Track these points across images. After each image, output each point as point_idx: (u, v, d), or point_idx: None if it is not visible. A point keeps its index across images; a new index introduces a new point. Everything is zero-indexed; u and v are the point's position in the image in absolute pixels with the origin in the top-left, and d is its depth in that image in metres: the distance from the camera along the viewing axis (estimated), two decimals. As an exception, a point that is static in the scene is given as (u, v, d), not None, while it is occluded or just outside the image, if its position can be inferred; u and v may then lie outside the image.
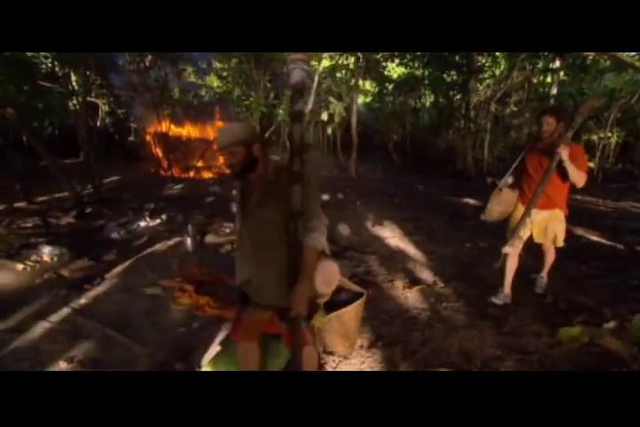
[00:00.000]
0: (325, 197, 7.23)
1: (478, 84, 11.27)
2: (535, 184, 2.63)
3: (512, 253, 2.81)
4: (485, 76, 11.27)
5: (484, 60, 10.79)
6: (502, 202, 2.79)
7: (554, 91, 9.20)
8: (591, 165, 11.05)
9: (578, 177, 2.47)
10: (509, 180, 2.83)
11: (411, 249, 4.23)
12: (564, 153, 2.37)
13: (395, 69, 13.07)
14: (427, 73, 11.79)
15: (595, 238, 4.68)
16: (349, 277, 3.33)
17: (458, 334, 2.46)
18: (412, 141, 13.23)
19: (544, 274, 3.11)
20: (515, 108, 11.71)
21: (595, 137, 11.00)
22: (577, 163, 2.44)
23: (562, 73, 9.31)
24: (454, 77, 11.27)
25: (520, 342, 2.37)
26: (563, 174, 2.54)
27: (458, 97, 11.87)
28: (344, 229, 4.76)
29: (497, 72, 10.97)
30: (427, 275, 3.51)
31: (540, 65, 9.79)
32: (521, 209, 2.75)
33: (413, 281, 3.34)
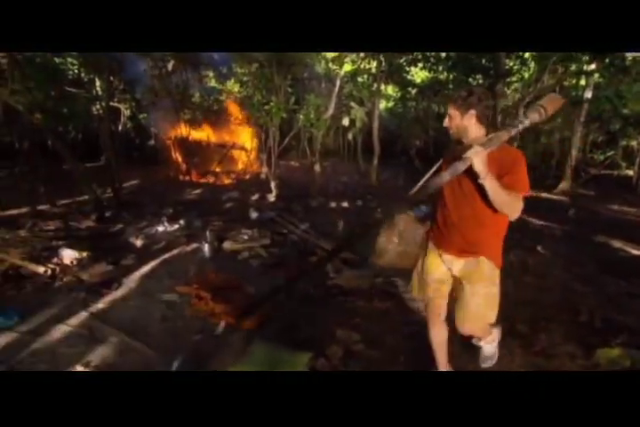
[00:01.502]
0: (345, 203, 7.23)
1: (506, 88, 11.09)
2: (452, 213, 1.73)
3: (432, 319, 1.94)
4: (514, 79, 11.07)
5: (512, 63, 10.62)
6: (399, 237, 1.90)
7: (588, 94, 8.94)
8: (630, 172, 10.64)
9: (502, 201, 1.53)
10: (423, 208, 1.95)
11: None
12: (475, 159, 1.47)
13: (418, 73, 13.04)
14: (451, 77, 11.70)
15: (635, 252, 4.48)
16: (369, 288, 3.30)
17: (484, 352, 2.38)
18: (436, 147, 13.08)
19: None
20: (545, 113, 11.44)
21: (634, 142, 10.62)
22: (507, 179, 1.54)
23: (597, 75, 9.05)
24: (480, 81, 11.12)
25: (552, 363, 2.27)
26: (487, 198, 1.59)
27: (484, 101, 11.70)
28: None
29: (526, 75, 10.78)
30: (450, 287, 3.43)
31: (574, 67, 9.56)
32: (434, 254, 1.85)
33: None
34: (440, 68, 11.39)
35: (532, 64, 10.31)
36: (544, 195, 9.06)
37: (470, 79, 11.15)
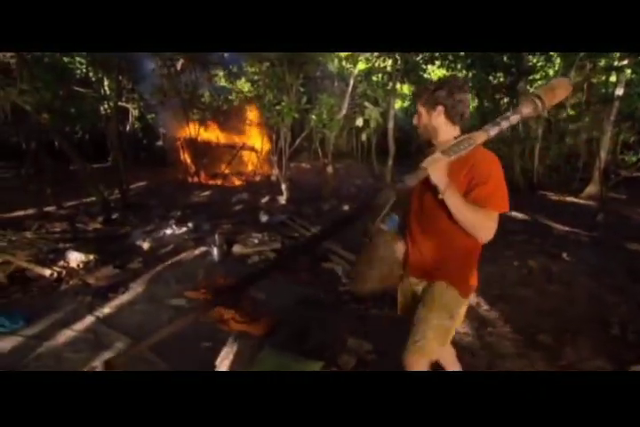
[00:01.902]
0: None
1: (528, 86, 10.97)
2: (414, 229, 1.57)
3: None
4: (537, 76, 10.95)
5: (535, 60, 10.51)
6: (379, 261, 1.58)
7: (619, 91, 8.77)
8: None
9: (468, 220, 1.32)
10: (395, 218, 1.62)
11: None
12: (432, 170, 1.32)
13: (435, 72, 12.99)
14: (470, 75, 11.63)
15: (668, 260, 4.36)
16: (382, 295, 3.29)
17: (505, 364, 2.35)
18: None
19: None
20: (572, 112, 11.28)
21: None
22: (477, 192, 1.33)
23: (629, 71, 8.88)
24: (501, 79, 11.03)
25: (579, 377, 2.22)
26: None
27: (505, 100, 11.60)
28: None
29: (551, 72, 10.66)
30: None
31: (603, 63, 9.40)
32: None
33: (454, 302, 3.24)
34: (458, 65, 11.34)
35: (558, 60, 10.19)
36: (569, 199, 8.91)
37: (491, 77, 11.07)
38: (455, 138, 1.41)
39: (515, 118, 1.36)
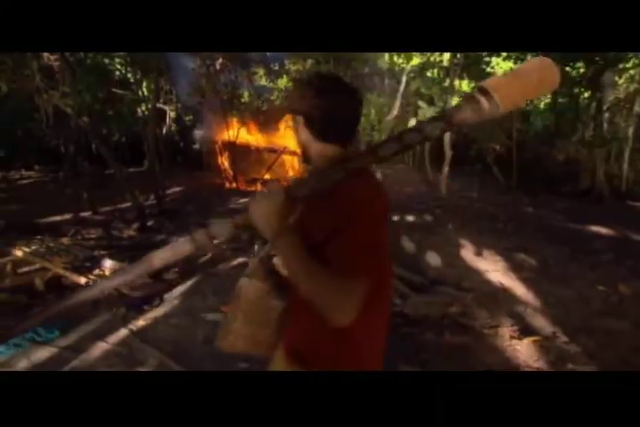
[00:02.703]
0: (410, 218, 7.11)
1: (617, 78, 10.34)
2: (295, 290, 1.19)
3: None
4: (628, 65, 10.28)
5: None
6: (243, 314, 1.20)
7: None
8: None
9: (303, 287, 0.95)
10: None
11: (519, 288, 3.93)
12: (252, 210, 1.02)
13: (500, 64, 12.63)
14: (543, 67, 11.17)
15: None
16: (440, 318, 3.19)
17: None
18: (520, 153, 12.49)
19: None
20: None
21: None
22: (334, 245, 0.93)
23: None
24: (581, 70, 10.50)
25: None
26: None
27: (585, 95, 11.02)
28: (433, 259, 4.60)
29: (645, 60, 10.01)
30: (543, 323, 3.22)
31: None
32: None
33: (524, 330, 3.08)
34: (528, 56, 10.94)
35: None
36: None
37: (568, 68, 10.57)
38: (341, 156, 1.06)
39: (433, 128, 0.90)
